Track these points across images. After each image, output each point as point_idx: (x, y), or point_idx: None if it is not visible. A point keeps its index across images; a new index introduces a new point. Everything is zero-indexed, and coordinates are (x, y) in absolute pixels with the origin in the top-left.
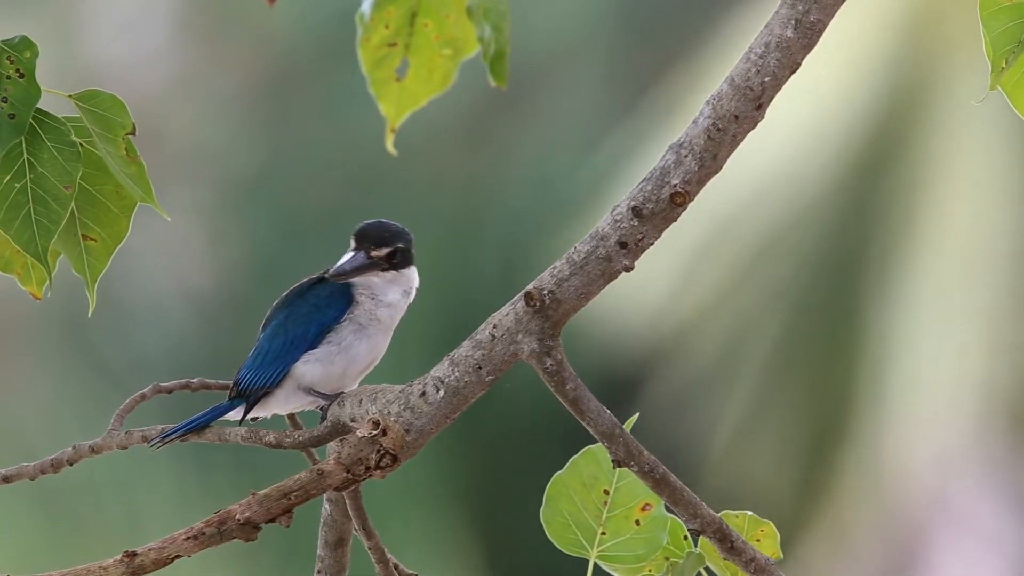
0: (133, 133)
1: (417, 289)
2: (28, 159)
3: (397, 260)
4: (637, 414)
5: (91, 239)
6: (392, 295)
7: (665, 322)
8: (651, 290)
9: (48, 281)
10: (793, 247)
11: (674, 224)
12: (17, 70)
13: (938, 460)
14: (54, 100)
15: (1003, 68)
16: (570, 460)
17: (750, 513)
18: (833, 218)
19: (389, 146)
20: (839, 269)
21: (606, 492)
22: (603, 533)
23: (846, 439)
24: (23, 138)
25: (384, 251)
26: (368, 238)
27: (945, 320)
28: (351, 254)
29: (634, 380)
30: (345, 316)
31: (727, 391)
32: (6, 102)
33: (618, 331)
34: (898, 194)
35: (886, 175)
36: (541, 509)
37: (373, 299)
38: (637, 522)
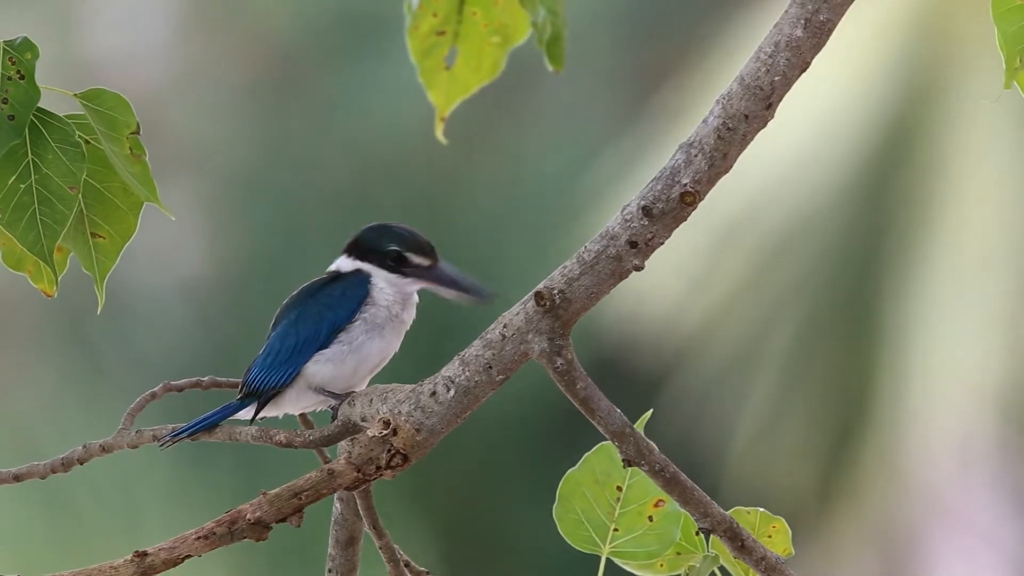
0: (138, 132)
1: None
2: (32, 159)
3: None
4: (651, 411)
5: (100, 237)
6: (416, 297)
7: (683, 320)
8: (669, 288)
9: (55, 281)
10: (809, 244)
11: (690, 222)
12: (18, 71)
13: (946, 457)
14: (58, 98)
15: (1017, 67)
16: (583, 457)
17: (761, 510)
18: (849, 214)
19: (439, 134)
20: (856, 265)
21: (619, 489)
22: (616, 530)
23: (866, 435)
24: (28, 138)
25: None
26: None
27: (961, 316)
28: (445, 266)
29: (653, 379)
30: (357, 316)
31: (746, 388)
32: (6, 103)
33: (636, 330)
34: (914, 189)
35: (901, 171)
36: (554, 506)
37: (402, 303)
38: (650, 518)
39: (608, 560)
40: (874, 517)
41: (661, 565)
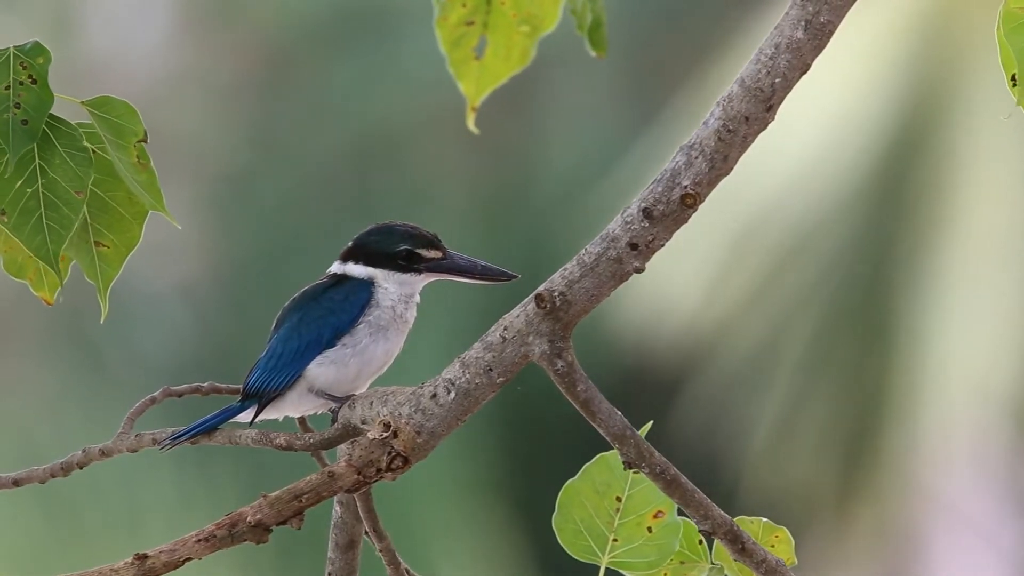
0: (145, 140)
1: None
2: (40, 164)
3: None
4: (651, 422)
5: (103, 246)
6: (418, 297)
7: (699, 325)
8: (685, 293)
9: (59, 287)
10: (822, 248)
11: (705, 227)
12: (30, 76)
13: (958, 460)
14: (65, 105)
15: None
16: (583, 467)
17: (764, 520)
18: (861, 216)
19: (470, 124)
20: (868, 269)
21: (618, 499)
22: (615, 540)
23: (880, 437)
24: (35, 143)
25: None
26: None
27: (973, 319)
28: (456, 255)
29: (670, 383)
30: (361, 320)
31: (763, 392)
32: (19, 108)
33: (654, 335)
34: (925, 192)
35: (912, 173)
36: (553, 516)
37: (407, 302)
38: (649, 529)
39: (610, 570)
40: (887, 519)
41: (665, 574)
